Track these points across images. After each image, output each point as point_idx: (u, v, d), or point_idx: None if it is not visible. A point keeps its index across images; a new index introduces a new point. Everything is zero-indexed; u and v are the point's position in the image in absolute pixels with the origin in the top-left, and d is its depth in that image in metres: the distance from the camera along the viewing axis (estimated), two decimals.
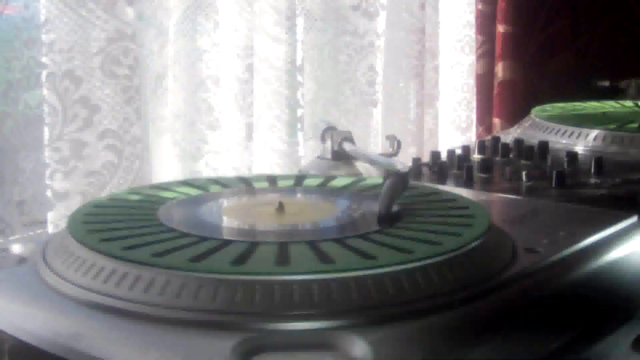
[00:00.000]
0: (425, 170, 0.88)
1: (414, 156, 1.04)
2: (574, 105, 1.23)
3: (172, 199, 0.66)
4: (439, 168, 0.87)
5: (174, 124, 0.93)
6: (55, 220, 0.81)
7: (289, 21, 1.01)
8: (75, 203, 0.80)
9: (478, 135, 1.39)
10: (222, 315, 0.46)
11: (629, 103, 1.27)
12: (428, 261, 0.51)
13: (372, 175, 0.81)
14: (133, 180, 0.85)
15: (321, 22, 1.10)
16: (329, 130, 0.86)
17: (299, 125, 1.04)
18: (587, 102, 1.26)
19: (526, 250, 0.58)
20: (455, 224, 0.59)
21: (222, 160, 0.96)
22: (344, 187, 0.72)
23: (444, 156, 0.91)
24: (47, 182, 0.81)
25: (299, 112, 1.03)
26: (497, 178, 0.86)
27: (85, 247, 0.53)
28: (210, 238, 0.55)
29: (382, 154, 0.86)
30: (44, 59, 0.79)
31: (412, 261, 0.50)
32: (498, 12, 1.42)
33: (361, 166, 0.84)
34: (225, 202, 0.67)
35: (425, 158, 0.96)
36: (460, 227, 0.58)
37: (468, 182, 0.84)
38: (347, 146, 0.84)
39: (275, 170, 1.03)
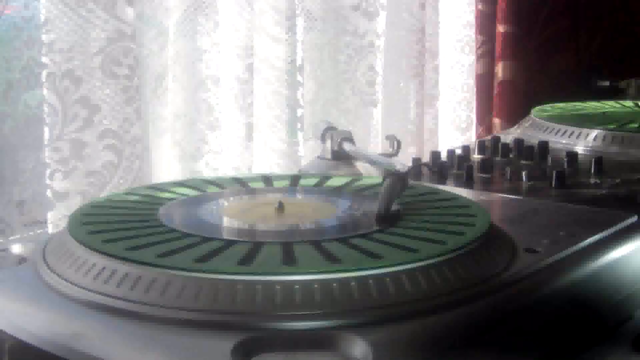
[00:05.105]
0: (425, 170, 0.88)
1: (414, 156, 1.05)
2: (574, 105, 1.23)
3: (172, 199, 0.66)
4: (439, 168, 0.87)
5: (174, 124, 0.93)
6: (55, 220, 0.81)
7: (289, 21, 1.01)
8: (75, 203, 0.80)
9: (478, 135, 1.39)
10: (222, 315, 0.46)
11: (629, 103, 1.27)
12: (428, 261, 0.51)
13: (372, 175, 0.81)
14: (133, 180, 0.85)
15: (321, 22, 1.10)
16: (329, 130, 0.85)
17: (299, 125, 1.04)
18: (587, 102, 1.25)
19: (526, 250, 0.58)
20: (456, 224, 0.59)
21: (222, 160, 0.96)
22: (343, 187, 0.72)
23: (444, 156, 0.91)
24: (47, 182, 0.81)
25: (299, 112, 1.03)
26: (497, 178, 0.86)
27: (85, 247, 0.53)
28: (212, 238, 0.55)
29: (382, 154, 0.86)
30: (44, 59, 0.79)
31: (412, 261, 0.50)
32: (498, 12, 1.42)
33: (361, 166, 0.84)
34: (224, 203, 0.67)
35: (425, 158, 0.96)
36: (461, 227, 0.58)
37: (468, 182, 0.83)
38: (347, 146, 0.84)
39: (275, 170, 1.03)
